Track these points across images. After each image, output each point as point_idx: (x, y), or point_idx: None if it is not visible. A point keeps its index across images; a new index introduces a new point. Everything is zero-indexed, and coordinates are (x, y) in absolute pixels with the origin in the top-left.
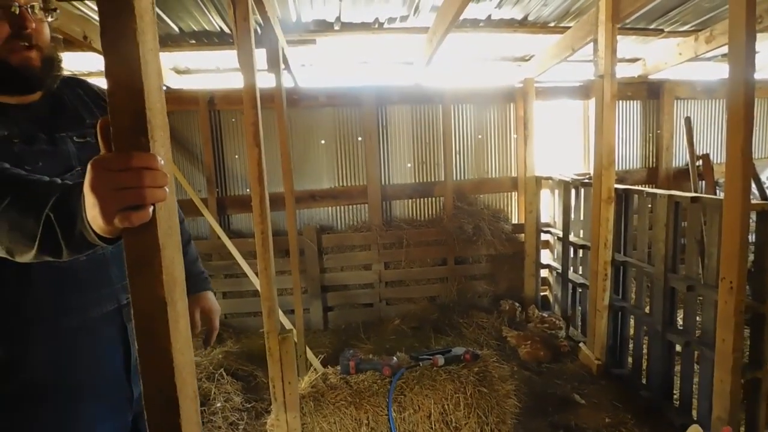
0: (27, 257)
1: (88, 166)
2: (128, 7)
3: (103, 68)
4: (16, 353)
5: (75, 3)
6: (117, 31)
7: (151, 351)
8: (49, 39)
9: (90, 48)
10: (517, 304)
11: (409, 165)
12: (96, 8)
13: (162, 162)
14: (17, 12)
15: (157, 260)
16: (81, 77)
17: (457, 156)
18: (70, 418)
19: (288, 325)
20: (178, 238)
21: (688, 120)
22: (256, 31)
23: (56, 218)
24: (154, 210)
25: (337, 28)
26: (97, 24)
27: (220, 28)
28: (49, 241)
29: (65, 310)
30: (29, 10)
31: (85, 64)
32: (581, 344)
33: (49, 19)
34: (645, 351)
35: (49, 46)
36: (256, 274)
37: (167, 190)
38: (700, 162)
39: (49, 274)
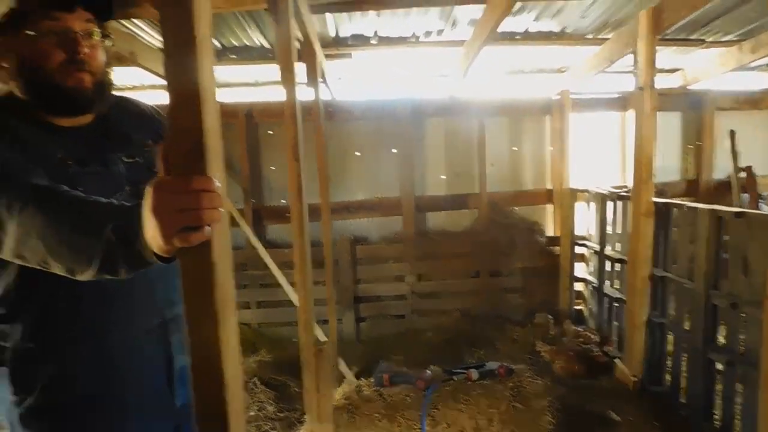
0: (86, 276)
1: (149, 189)
2: (189, 36)
3: (148, 82)
4: (68, 368)
5: (123, 21)
6: (178, 61)
7: (203, 366)
8: (102, 63)
9: (136, 63)
10: (550, 318)
11: (443, 177)
12: (142, 27)
13: (218, 184)
14: (72, 38)
15: (211, 279)
16: (126, 96)
17: (492, 168)
18: (116, 430)
19: (322, 336)
20: (230, 256)
21: (732, 132)
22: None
23: (116, 239)
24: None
25: (374, 42)
26: (143, 42)
27: (260, 43)
28: (108, 260)
29: (113, 325)
30: (85, 36)
31: (131, 79)
32: (617, 360)
33: (106, 44)
34: (684, 369)
35: (102, 70)
36: (291, 284)
37: (222, 211)
38: (743, 174)
39: (98, 291)
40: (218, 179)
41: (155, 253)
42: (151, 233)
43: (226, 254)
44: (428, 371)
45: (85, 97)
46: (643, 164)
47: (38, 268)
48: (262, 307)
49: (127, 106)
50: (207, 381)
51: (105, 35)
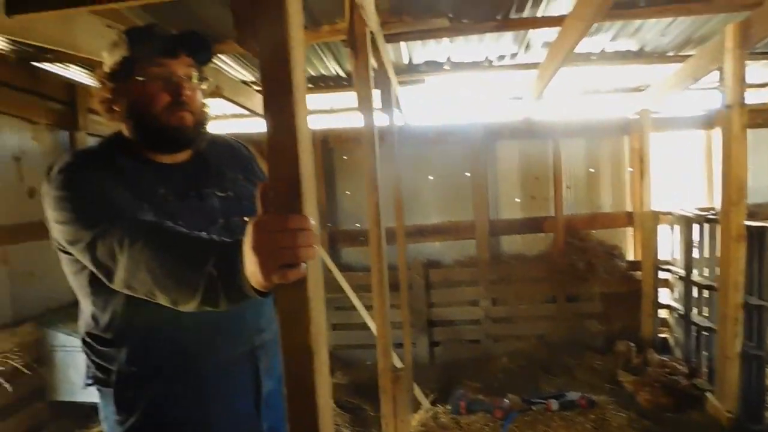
0: (189, 307)
1: (249, 227)
2: (287, 84)
3: (229, 112)
4: (166, 391)
5: None
6: (277, 107)
7: (298, 395)
8: (201, 104)
9: (220, 95)
10: (632, 345)
11: (517, 200)
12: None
13: (313, 222)
14: (176, 82)
15: (306, 313)
16: (218, 133)
17: (568, 190)
18: None
19: (397, 360)
20: (323, 291)
21: None
22: None
23: (218, 274)
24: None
25: (447, 67)
26: (226, 75)
27: (336, 72)
28: (210, 293)
29: (208, 351)
30: (186, 79)
31: (214, 109)
32: (708, 394)
33: (204, 87)
34: None
35: (200, 110)
36: (365, 307)
37: (317, 248)
38: None
39: (196, 319)
40: (313, 218)
41: (256, 288)
42: (251, 269)
43: (320, 290)
44: (506, 400)
45: (186, 135)
46: (732, 186)
47: (145, 298)
48: (337, 329)
49: (220, 143)
50: (302, 411)
51: (202, 78)
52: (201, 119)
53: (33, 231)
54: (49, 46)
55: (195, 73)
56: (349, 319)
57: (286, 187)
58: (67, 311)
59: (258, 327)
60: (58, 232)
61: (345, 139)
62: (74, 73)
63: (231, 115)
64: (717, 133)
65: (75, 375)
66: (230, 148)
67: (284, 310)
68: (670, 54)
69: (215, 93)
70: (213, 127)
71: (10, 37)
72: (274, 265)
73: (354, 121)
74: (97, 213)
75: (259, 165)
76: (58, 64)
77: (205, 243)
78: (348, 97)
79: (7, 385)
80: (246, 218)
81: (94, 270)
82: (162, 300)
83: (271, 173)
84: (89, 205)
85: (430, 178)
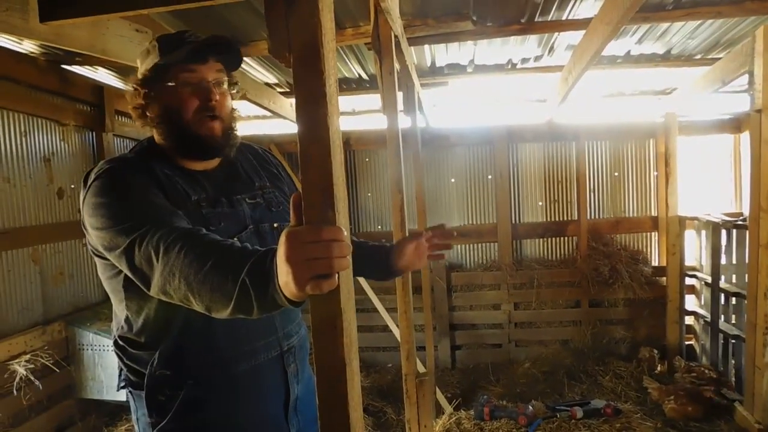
0: (222, 315)
1: (283, 238)
2: (320, 94)
3: (253, 113)
4: (198, 395)
5: None
6: (309, 117)
7: (331, 404)
8: (230, 110)
9: (244, 98)
10: (656, 352)
11: (540, 203)
12: (250, 63)
13: (345, 233)
14: (206, 87)
15: (339, 323)
16: (247, 141)
17: (592, 194)
18: None
19: (420, 365)
20: (354, 302)
21: None
22: None
23: (251, 283)
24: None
25: (470, 70)
26: (251, 77)
27: (358, 74)
28: (243, 302)
29: (239, 356)
30: (216, 84)
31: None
32: (737, 404)
33: (233, 91)
34: None
35: (229, 116)
36: (387, 309)
37: (349, 259)
38: None
39: (228, 325)
40: (346, 228)
41: (289, 298)
42: (284, 279)
43: (351, 300)
44: (530, 406)
45: (216, 143)
46: (762, 192)
47: (179, 304)
48: (359, 331)
49: (248, 150)
50: (334, 421)
51: (232, 83)
52: (230, 125)
53: (62, 231)
54: (79, 51)
55: (225, 78)
56: (371, 321)
57: (319, 197)
58: (95, 310)
59: (287, 332)
60: (95, 237)
61: (367, 141)
62: (102, 75)
63: (254, 117)
64: (745, 138)
65: (102, 373)
66: (257, 155)
67: (317, 321)
68: (698, 57)
69: (240, 95)
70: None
71: (42, 42)
72: (307, 275)
73: (375, 123)
74: (134, 219)
75: (286, 171)
76: (87, 66)
77: (240, 252)
78: (370, 100)
79: (37, 383)
80: (275, 225)
81: (131, 275)
82: (196, 307)
83: (303, 183)
84: (126, 211)
85: (452, 180)
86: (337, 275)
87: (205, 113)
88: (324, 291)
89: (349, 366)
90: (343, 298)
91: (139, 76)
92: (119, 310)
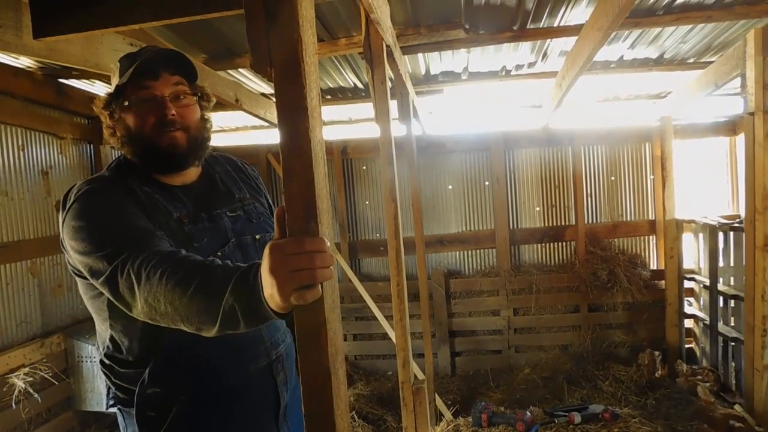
0: (211, 333)
1: (267, 251)
2: (301, 108)
3: (249, 124)
4: (189, 410)
5: (230, 71)
6: (291, 131)
7: (316, 413)
8: (196, 120)
9: (240, 108)
10: (657, 354)
11: (537, 209)
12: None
13: (328, 244)
14: (160, 102)
15: (323, 333)
16: (224, 153)
17: (589, 199)
18: None
19: (418, 371)
20: (339, 311)
21: None
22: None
23: (236, 300)
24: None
25: (464, 77)
26: (246, 88)
27: (353, 83)
28: (230, 318)
29: (228, 368)
30: (173, 98)
31: (235, 121)
32: (737, 406)
33: (202, 103)
34: None
35: (196, 126)
36: (386, 317)
37: (333, 269)
38: None
39: (216, 339)
40: (329, 239)
41: (272, 309)
42: (269, 291)
43: (336, 309)
44: (528, 412)
45: (180, 153)
46: (757, 194)
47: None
48: (358, 339)
49: (227, 163)
50: (321, 427)
51: (195, 93)
52: (197, 135)
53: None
54: (74, 66)
55: (185, 90)
56: (370, 329)
57: (302, 209)
58: (94, 323)
59: (274, 341)
60: (77, 262)
61: (364, 149)
62: (99, 88)
63: (251, 127)
64: (741, 140)
65: (102, 385)
66: (237, 168)
67: (302, 331)
68: (691, 61)
69: (236, 106)
70: (230, 140)
71: (37, 59)
72: (291, 287)
73: (373, 131)
74: (114, 245)
75: (263, 183)
76: (83, 80)
77: (222, 270)
78: (366, 108)
79: (36, 396)
80: (257, 236)
81: (115, 302)
82: (185, 329)
83: (286, 195)
84: (106, 236)
85: (450, 187)
86: (320, 285)
87: (164, 127)
88: (308, 301)
89: (335, 375)
90: (328, 308)
91: (103, 99)
92: (103, 329)
